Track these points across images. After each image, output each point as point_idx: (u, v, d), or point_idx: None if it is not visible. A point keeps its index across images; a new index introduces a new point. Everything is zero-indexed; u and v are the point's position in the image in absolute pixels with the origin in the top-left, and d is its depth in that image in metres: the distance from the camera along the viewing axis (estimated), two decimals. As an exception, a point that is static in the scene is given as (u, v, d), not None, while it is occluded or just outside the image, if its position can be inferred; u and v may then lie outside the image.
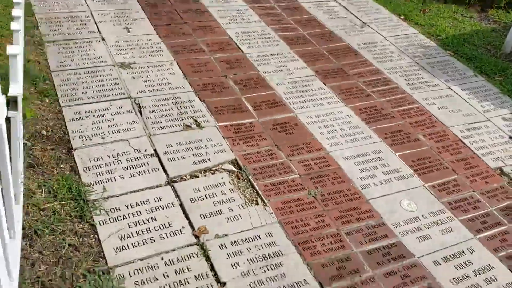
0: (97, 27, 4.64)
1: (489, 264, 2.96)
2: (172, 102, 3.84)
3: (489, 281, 2.85)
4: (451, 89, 4.64)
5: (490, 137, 4.08)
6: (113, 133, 3.43)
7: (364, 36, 5.37)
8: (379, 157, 3.66)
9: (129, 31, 4.68)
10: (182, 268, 2.61)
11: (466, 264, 2.94)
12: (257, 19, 5.35)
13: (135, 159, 3.25)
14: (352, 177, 3.44)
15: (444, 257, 2.96)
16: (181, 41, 4.70)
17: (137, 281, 2.51)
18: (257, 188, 3.21)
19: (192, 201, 3.02)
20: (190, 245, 2.75)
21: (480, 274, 2.89)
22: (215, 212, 2.97)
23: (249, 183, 3.25)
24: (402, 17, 6.02)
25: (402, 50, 5.19)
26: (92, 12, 4.88)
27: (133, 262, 2.61)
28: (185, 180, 3.18)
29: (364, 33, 5.45)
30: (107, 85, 3.89)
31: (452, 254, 2.98)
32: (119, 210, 2.88)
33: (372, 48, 5.15)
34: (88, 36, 4.48)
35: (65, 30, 4.50)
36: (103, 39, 4.47)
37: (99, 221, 2.79)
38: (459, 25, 6.02)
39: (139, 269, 2.57)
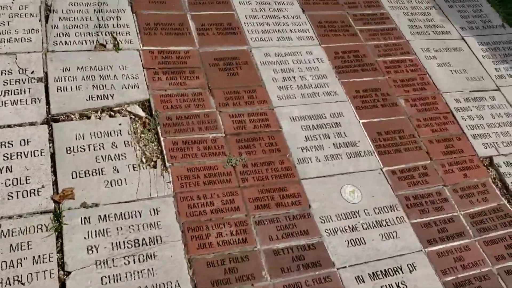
0: None
1: (427, 291, 2.33)
2: (95, 10, 3.02)
3: (418, 314, 2.24)
4: (464, 40, 3.66)
5: (491, 113, 3.21)
6: (1, 42, 2.70)
7: (377, -49, 4.24)
8: (336, 123, 2.88)
9: None
10: (21, 244, 2.04)
11: (397, 286, 2.31)
12: None
13: (16, 82, 2.55)
14: (291, 146, 2.71)
15: (373, 273, 2.33)
16: None
17: (-46, 255, 1.97)
18: (162, 144, 2.52)
19: (69, 151, 2.37)
20: (44, 212, 2.15)
21: (411, 303, 2.27)
22: (94, 170, 2.33)
23: (155, 135, 2.56)
24: None
25: (419, -22, 4.10)
26: None
27: (-39, 226, 2.05)
28: (72, 119, 2.50)
29: None
30: (18, -26, 3.07)
31: (385, 270, 2.35)
32: (-32, 150, 2.26)
33: (382, -30, 4.07)
34: None
35: None
36: None
37: None
38: (506, -47, 4.76)
39: (-35, 237, 2.02)
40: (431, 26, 3.70)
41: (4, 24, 2.78)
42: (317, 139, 2.77)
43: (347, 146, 2.78)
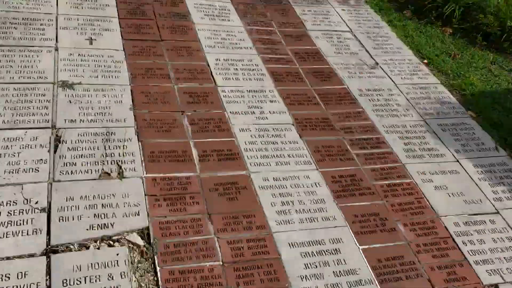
0: (56, 35, 4.06)
1: None
2: (102, 139, 3.19)
3: None
4: (459, 163, 3.76)
5: (493, 238, 3.19)
6: (10, 173, 2.83)
7: (370, 80, 4.55)
8: (335, 249, 2.87)
9: (91, 43, 4.08)
10: None
11: None
12: (249, 45, 4.62)
13: (19, 212, 2.62)
14: (290, 274, 2.67)
15: None
16: (148, 62, 4.05)
17: None
18: (159, 275, 2.51)
19: (65, 284, 2.35)
20: None
21: None
22: (87, 304, 2.30)
23: (152, 265, 2.56)
24: (425, 60, 5.14)
25: (412, 103, 4.33)
26: (58, 15, 4.31)
27: None
28: (71, 250, 2.52)
29: (372, 76, 4.62)
30: (34, 108, 3.30)
31: None
32: (-36, 284, 2.26)
33: (375, 97, 4.32)
34: (41, 45, 3.90)
35: (17, 35, 3.95)
36: (56, 50, 3.89)
37: None
38: (493, 79, 5.07)
39: None
40: (426, 150, 3.83)
41: (14, 155, 2.92)
42: (316, 267, 2.74)
43: (348, 274, 2.74)
